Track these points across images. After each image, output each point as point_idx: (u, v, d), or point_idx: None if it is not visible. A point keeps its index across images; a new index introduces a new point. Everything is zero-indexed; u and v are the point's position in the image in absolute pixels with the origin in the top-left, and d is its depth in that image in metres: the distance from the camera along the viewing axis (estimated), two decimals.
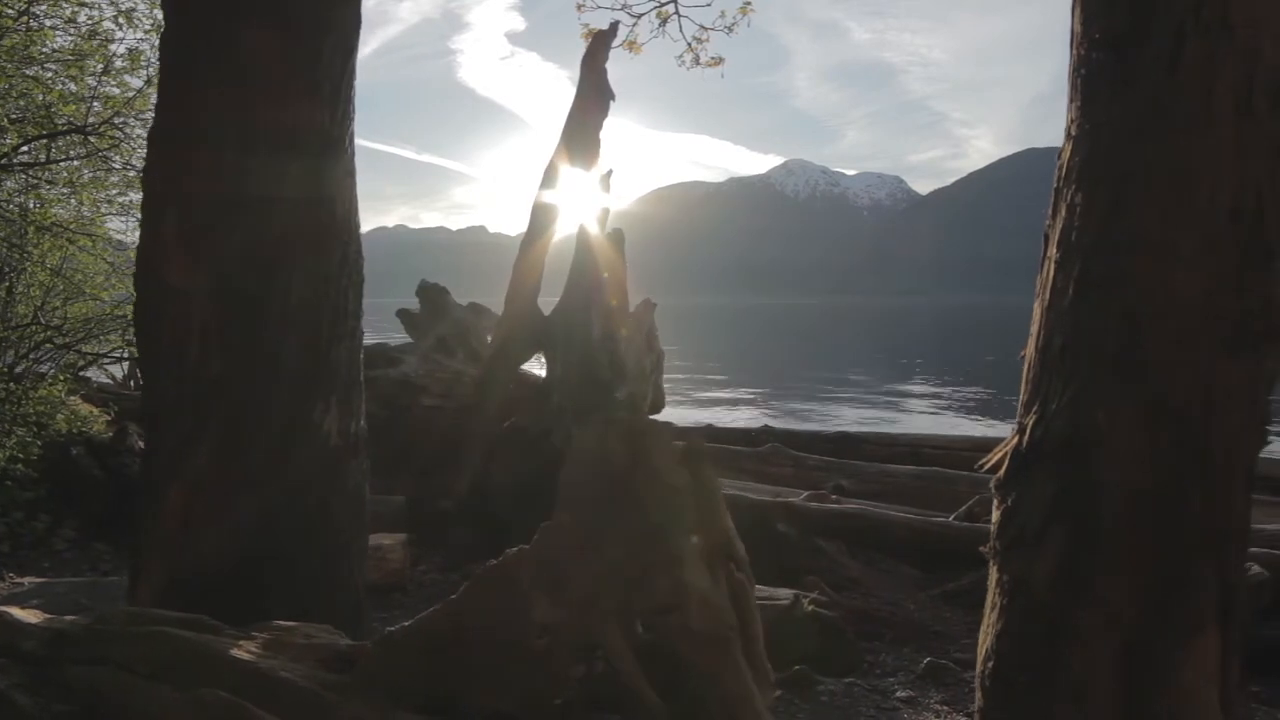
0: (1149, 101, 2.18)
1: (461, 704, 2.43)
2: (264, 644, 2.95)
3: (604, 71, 8.30)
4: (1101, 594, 2.16)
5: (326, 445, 4.06)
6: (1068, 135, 2.38)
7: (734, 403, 27.38)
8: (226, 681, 2.70)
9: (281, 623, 3.21)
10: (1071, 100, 2.39)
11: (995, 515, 2.43)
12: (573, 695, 2.42)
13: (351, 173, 4.27)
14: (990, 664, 2.36)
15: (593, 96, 8.12)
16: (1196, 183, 2.13)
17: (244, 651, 2.87)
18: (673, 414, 15.67)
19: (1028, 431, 2.33)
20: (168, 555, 3.91)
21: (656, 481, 2.16)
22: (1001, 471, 2.40)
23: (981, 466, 2.44)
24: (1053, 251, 2.35)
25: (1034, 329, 2.42)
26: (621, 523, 2.17)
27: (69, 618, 3.56)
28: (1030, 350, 2.42)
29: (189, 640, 2.97)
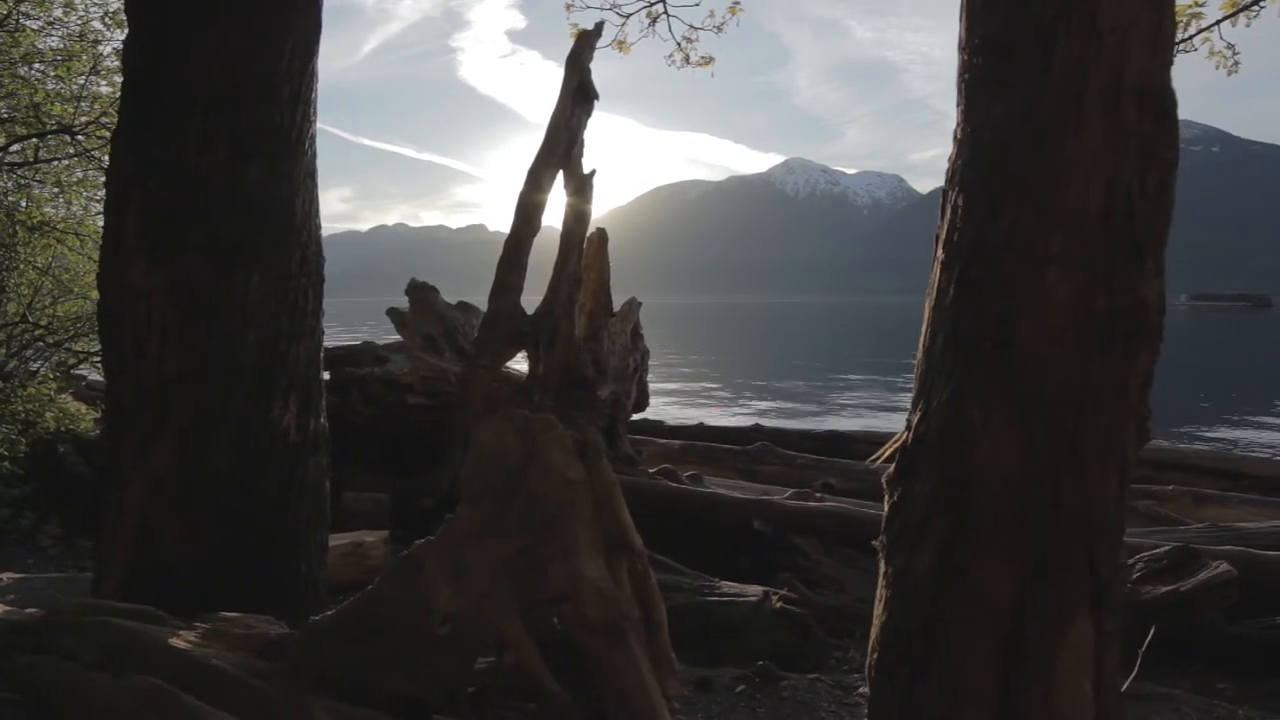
0: (1023, 104, 2.23)
1: (378, 689, 2.49)
2: (203, 634, 3.02)
3: (588, 71, 8.34)
4: (977, 587, 2.20)
5: (285, 442, 4.13)
6: (954, 138, 2.43)
7: (727, 401, 27.34)
8: (162, 669, 2.77)
9: (226, 614, 3.28)
10: (957, 104, 2.44)
11: (885, 509, 2.48)
12: (488, 684, 2.48)
13: (312, 174, 4.33)
14: (875, 656, 2.40)
15: (576, 96, 8.16)
16: (1068, 184, 2.17)
17: (182, 641, 2.94)
18: (664, 412, 15.70)
19: (913, 427, 2.38)
20: (129, 551, 3.99)
21: (550, 475, 2.22)
22: (893, 467, 2.44)
23: (875, 460, 2.49)
24: (939, 252, 2.40)
25: (924, 328, 2.47)
26: (517, 515, 2.23)
27: (28, 610, 3.64)
28: (920, 349, 2.47)
29: (131, 630, 3.05)
